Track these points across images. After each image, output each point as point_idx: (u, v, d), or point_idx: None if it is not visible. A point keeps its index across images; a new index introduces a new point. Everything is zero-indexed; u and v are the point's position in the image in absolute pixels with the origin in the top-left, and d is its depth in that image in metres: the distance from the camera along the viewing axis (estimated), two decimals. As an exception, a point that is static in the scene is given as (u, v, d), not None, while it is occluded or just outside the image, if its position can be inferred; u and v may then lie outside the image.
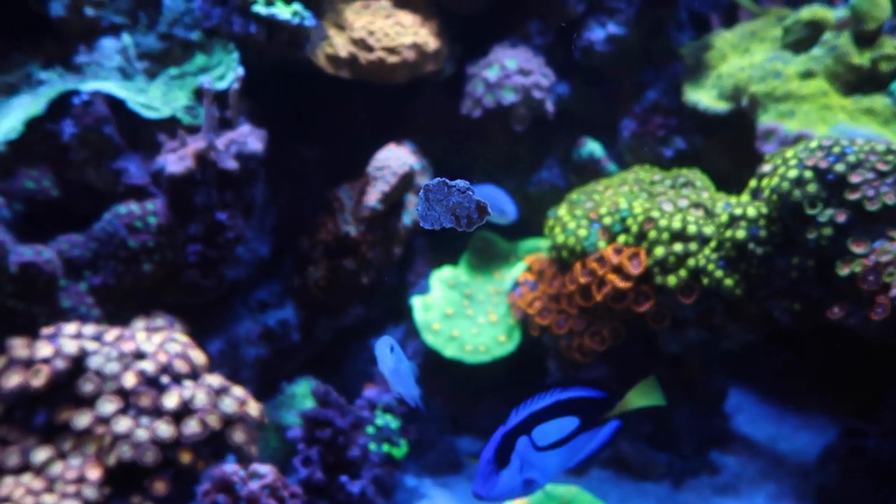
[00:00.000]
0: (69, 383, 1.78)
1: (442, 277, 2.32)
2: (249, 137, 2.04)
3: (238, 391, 1.87)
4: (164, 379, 1.81)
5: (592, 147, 2.42)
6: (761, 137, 2.07)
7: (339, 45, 2.22)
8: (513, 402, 2.33)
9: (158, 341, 1.87)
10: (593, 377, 1.66)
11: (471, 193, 0.98)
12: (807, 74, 2.12)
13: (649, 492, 2.13)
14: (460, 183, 0.98)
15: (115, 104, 2.01)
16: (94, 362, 1.79)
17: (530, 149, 2.51)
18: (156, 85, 2.11)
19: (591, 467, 2.20)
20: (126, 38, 2.10)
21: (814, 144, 1.74)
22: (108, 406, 1.76)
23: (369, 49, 2.22)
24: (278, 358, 2.32)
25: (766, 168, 1.84)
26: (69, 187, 2.03)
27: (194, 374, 1.87)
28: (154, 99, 2.06)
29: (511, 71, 2.31)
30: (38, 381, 1.75)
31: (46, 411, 1.78)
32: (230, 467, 1.70)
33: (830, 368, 2.33)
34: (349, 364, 2.42)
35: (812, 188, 1.68)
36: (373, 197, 2.21)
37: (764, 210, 1.78)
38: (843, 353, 2.24)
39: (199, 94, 2.08)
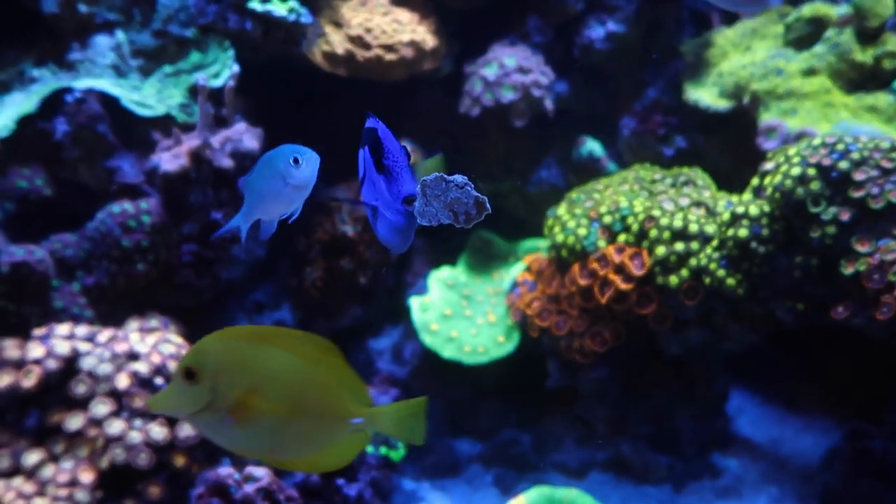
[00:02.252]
0: (61, 385, 1.75)
1: (440, 278, 2.29)
2: (245, 135, 2.01)
3: (233, 393, 1.85)
4: (159, 380, 1.78)
5: (592, 146, 2.40)
6: (763, 135, 2.05)
7: (336, 42, 2.20)
8: (512, 403, 2.32)
9: (152, 342, 1.84)
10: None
11: (469, 189, 0.96)
12: (809, 72, 2.10)
13: (650, 495, 2.10)
14: (458, 178, 0.96)
15: (109, 102, 1.99)
16: (86, 363, 1.76)
17: (529, 148, 2.49)
18: (150, 82, 2.09)
19: (591, 470, 2.18)
20: (120, 36, 2.08)
21: (817, 142, 1.71)
22: (100, 408, 1.73)
23: (366, 46, 2.20)
24: (275, 359, 2.29)
25: (769, 166, 1.82)
26: (62, 186, 2.01)
27: (189, 376, 1.84)
28: (148, 97, 2.03)
29: (510, 69, 2.28)
30: (30, 382, 1.72)
31: (38, 413, 1.75)
32: (225, 470, 1.68)
33: (834, 369, 2.30)
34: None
35: (815, 186, 1.66)
36: (370, 196, 2.18)
37: (766, 208, 1.76)
38: (846, 353, 2.22)
39: (194, 91, 2.06)
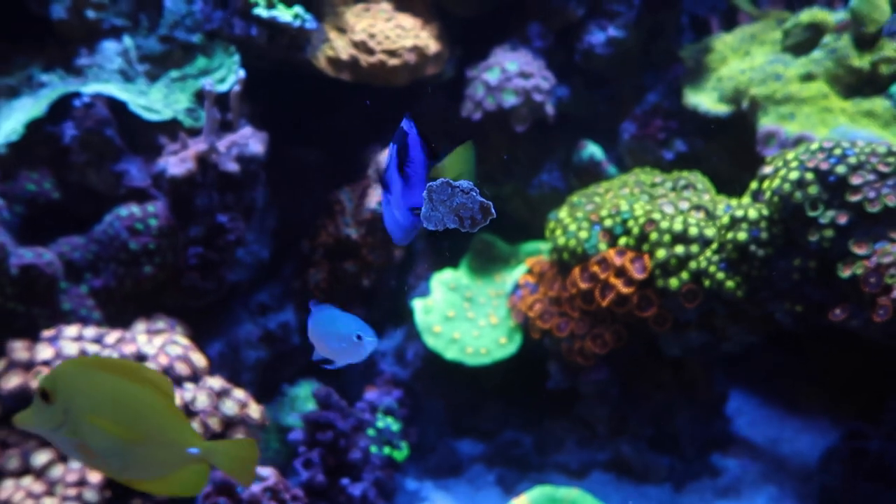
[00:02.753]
0: (70, 386, 1.77)
1: (443, 280, 2.32)
2: (251, 140, 2.04)
3: (239, 393, 1.87)
4: (165, 381, 1.80)
5: (592, 150, 2.42)
6: (762, 140, 2.08)
7: (340, 47, 2.22)
8: (514, 404, 2.34)
9: (159, 343, 1.86)
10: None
11: (474, 194, 0.98)
12: (807, 77, 2.12)
13: (650, 495, 2.12)
14: (464, 184, 0.98)
15: (117, 106, 2.01)
16: (94, 365, 1.78)
17: (530, 151, 2.51)
18: (157, 87, 2.11)
19: (592, 470, 2.20)
20: (127, 41, 2.11)
21: (815, 146, 1.74)
22: (108, 408, 1.76)
23: (370, 52, 2.23)
24: (279, 361, 2.31)
25: (767, 170, 1.85)
26: (70, 189, 2.03)
27: (195, 377, 1.86)
28: (155, 101, 2.06)
29: (512, 73, 2.31)
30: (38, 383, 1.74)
31: (47, 414, 1.77)
32: (231, 470, 1.70)
33: (831, 370, 2.33)
34: (349, 367, 2.41)
35: (813, 190, 1.69)
36: (373, 199, 2.21)
37: (765, 212, 1.78)
38: (844, 355, 2.24)
39: (200, 96, 2.08)
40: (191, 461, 1.12)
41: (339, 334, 1.08)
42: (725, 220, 1.84)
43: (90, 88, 1.98)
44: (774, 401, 2.40)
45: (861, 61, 2.08)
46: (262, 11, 2.04)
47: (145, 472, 1.12)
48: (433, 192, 0.99)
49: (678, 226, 1.89)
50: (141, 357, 1.82)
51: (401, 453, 2.07)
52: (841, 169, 1.67)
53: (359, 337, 1.06)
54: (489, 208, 0.97)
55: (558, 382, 2.12)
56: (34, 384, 1.74)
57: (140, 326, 1.98)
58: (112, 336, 1.85)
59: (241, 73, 2.01)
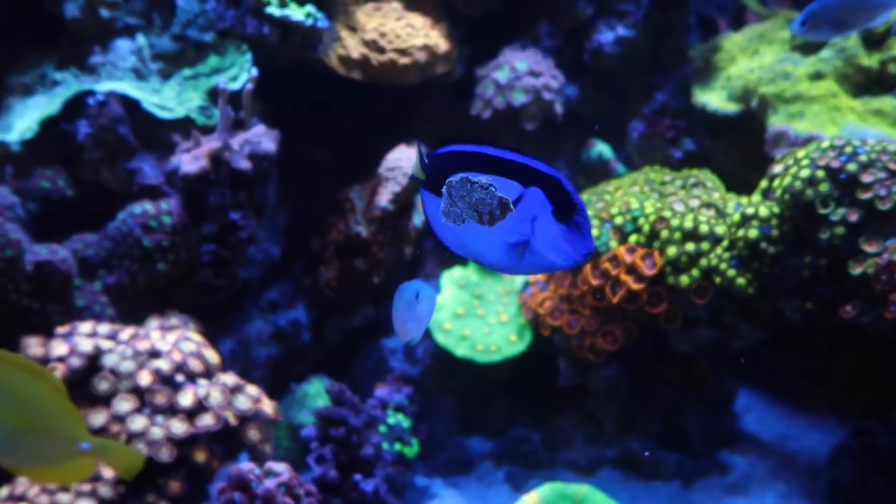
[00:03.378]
0: (84, 382, 1.78)
1: (452, 277, 2.33)
2: (263, 138, 2.05)
3: (252, 389, 1.88)
4: (179, 377, 1.81)
5: (601, 148, 2.44)
6: (771, 139, 2.09)
7: (351, 46, 2.23)
8: (523, 401, 2.35)
9: (173, 340, 1.88)
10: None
11: (493, 190, 0.99)
12: (816, 76, 2.13)
13: (660, 491, 2.13)
14: (483, 180, 0.99)
15: (130, 104, 2.03)
16: (109, 361, 1.79)
17: (539, 150, 2.52)
18: (170, 85, 2.13)
19: (600, 467, 2.21)
20: (140, 39, 2.12)
21: (825, 144, 1.75)
22: (123, 404, 1.77)
23: (381, 50, 2.24)
24: (289, 358, 2.33)
25: (778, 168, 1.86)
26: (84, 187, 2.04)
27: (209, 373, 1.88)
28: (168, 99, 2.07)
29: (521, 72, 2.32)
30: (55, 379, 1.75)
31: (62, 409, 1.78)
32: (246, 465, 1.71)
33: (839, 368, 2.34)
34: (359, 364, 2.42)
35: (824, 187, 1.70)
36: (384, 197, 2.22)
37: (776, 209, 1.79)
38: (849, 352, 2.25)
39: (212, 94, 2.10)
40: (80, 455, 1.22)
41: (401, 303, 1.07)
42: (736, 217, 1.85)
43: (104, 86, 1.99)
44: (782, 398, 2.41)
45: (870, 60, 2.09)
46: (274, 10, 2.05)
47: (32, 461, 1.21)
48: (453, 188, 1.00)
49: (689, 223, 1.90)
50: (155, 353, 1.84)
51: (411, 450, 2.08)
52: (852, 167, 1.68)
53: (417, 295, 1.07)
54: (507, 203, 0.98)
55: (568, 379, 2.13)
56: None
57: (153, 323, 1.99)
58: (126, 332, 1.86)
59: (254, 72, 2.02)
